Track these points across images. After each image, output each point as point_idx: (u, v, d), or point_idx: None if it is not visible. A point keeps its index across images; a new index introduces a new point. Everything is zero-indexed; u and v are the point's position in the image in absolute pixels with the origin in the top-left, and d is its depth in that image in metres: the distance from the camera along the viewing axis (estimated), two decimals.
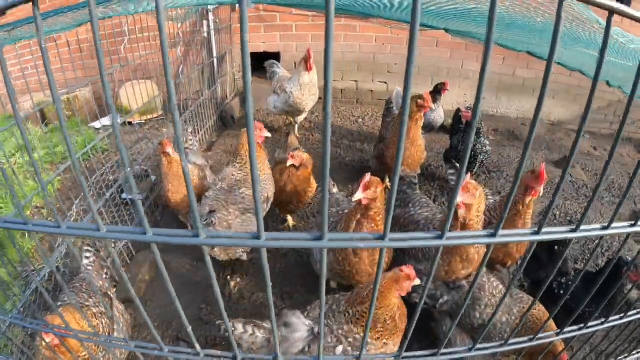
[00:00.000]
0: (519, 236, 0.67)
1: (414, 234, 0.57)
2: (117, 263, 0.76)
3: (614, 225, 0.82)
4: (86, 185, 0.68)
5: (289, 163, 2.78)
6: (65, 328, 1.10)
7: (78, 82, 3.19)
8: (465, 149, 0.56)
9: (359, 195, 1.93)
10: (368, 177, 1.97)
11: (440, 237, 0.58)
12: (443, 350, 0.95)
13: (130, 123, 4.72)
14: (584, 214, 0.71)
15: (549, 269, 2.35)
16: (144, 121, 5.40)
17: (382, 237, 0.56)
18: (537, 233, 0.66)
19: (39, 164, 4.49)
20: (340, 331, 1.70)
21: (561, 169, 4.74)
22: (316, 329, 1.71)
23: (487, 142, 3.79)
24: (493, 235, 0.62)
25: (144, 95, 4.53)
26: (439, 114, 4.60)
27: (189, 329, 0.92)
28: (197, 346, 0.98)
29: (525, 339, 1.05)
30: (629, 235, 0.92)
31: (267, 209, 3.00)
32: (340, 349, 1.66)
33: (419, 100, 3.06)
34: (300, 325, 1.73)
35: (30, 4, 0.57)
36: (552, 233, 0.72)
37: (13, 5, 0.61)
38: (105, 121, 4.85)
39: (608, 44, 0.59)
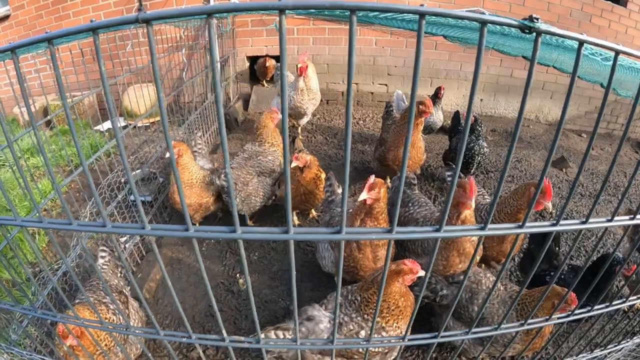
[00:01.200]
0: (505, 229, 0.78)
1: (417, 228, 0.69)
2: (158, 258, 0.87)
3: (591, 220, 0.93)
4: (135, 187, 0.79)
5: (293, 164, 2.91)
6: (92, 321, 1.21)
7: (81, 85, 3.30)
8: (458, 153, 0.68)
9: (364, 195, 2.05)
10: (372, 178, 2.08)
11: (438, 230, 0.69)
12: (443, 333, 1.06)
13: (136, 126, 4.83)
14: (562, 210, 0.82)
15: (543, 264, 2.46)
16: (148, 124, 5.52)
17: (389, 231, 0.67)
18: (520, 227, 0.77)
19: (45, 166, 4.61)
20: (359, 318, 1.85)
21: (558, 168, 4.86)
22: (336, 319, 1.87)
23: (485, 144, 3.89)
24: (483, 228, 0.73)
25: (148, 99, 4.65)
26: (439, 116, 4.72)
27: (217, 314, 1.03)
28: (224, 332, 1.09)
29: (516, 324, 1.17)
30: (606, 229, 1.03)
31: (271, 182, 3.34)
32: (362, 333, 1.81)
33: (420, 106, 3.17)
34: (322, 317, 1.88)
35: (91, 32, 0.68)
36: (535, 227, 0.83)
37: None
38: (111, 124, 4.96)
39: (578, 68, 0.70)
